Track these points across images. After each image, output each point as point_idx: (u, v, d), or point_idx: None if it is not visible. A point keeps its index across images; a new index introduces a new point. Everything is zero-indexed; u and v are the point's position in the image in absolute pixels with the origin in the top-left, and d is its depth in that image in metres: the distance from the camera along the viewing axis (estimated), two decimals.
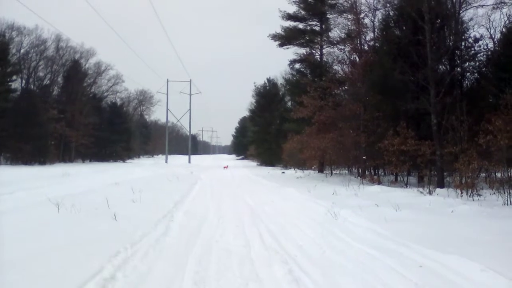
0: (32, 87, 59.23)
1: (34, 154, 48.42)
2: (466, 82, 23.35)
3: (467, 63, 22.73)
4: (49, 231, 8.57)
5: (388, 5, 25.10)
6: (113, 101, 77.24)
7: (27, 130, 45.70)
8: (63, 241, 7.65)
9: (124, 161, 70.46)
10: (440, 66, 21.52)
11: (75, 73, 61.96)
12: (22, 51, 57.53)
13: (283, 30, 35.55)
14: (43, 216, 10.41)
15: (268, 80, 60.00)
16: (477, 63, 22.71)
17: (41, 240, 7.75)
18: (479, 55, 22.44)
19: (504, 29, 22.59)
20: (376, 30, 27.53)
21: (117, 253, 7.00)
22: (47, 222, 9.67)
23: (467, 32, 22.13)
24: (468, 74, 23.26)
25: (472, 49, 22.27)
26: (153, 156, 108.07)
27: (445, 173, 18.95)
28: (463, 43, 22.00)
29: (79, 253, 6.94)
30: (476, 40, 22.07)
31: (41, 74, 61.30)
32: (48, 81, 62.20)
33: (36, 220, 9.93)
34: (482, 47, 22.40)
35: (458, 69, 21.80)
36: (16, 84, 57.16)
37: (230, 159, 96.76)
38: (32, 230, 8.67)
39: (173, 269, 6.55)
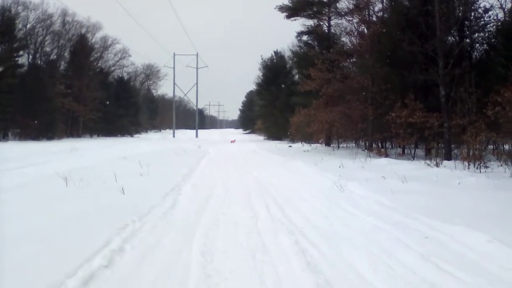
0: (39, 62, 59.14)
1: (42, 130, 48.57)
2: (475, 53, 23.14)
3: (476, 34, 22.48)
4: (57, 205, 8.64)
5: None
6: (120, 75, 77.03)
7: (35, 105, 45.76)
8: (71, 214, 7.72)
9: (131, 136, 70.66)
10: (449, 37, 21.30)
11: (81, 47, 61.71)
12: (28, 26, 57.22)
13: (290, 1, 35.16)
14: (51, 190, 10.49)
15: (275, 53, 59.52)
16: (487, 34, 22.46)
17: (49, 213, 7.81)
18: (488, 25, 22.17)
19: None
20: (384, 0, 27.18)
21: (125, 226, 7.07)
22: (55, 196, 9.75)
23: (477, 2, 21.80)
24: (477, 45, 23.02)
25: (482, 19, 21.99)
26: (160, 130, 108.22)
27: (452, 146, 18.89)
28: (472, 14, 21.71)
29: (87, 225, 7.01)
30: (486, 10, 21.76)
31: (47, 49, 61.13)
32: (55, 56, 62.04)
33: (44, 194, 10.00)
34: (491, 18, 22.12)
35: (467, 40, 21.57)
36: (23, 59, 57.06)
37: (237, 134, 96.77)
38: (40, 204, 8.74)
39: (181, 241, 6.61)
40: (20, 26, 55.61)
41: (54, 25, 60.53)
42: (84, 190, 10.48)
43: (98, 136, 65.36)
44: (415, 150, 21.84)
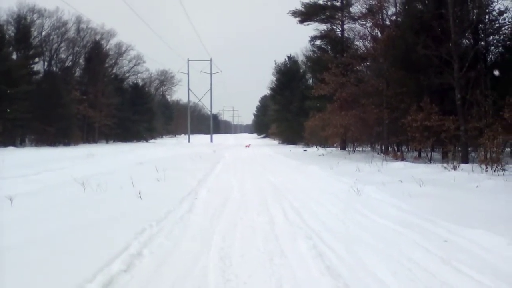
0: (54, 69, 59.80)
1: (58, 136, 49.02)
2: (490, 55, 22.87)
3: (491, 37, 22.20)
4: (75, 210, 8.70)
5: None
6: (135, 81, 77.55)
7: (51, 111, 46.20)
8: (89, 220, 7.77)
9: (147, 141, 71.02)
10: (464, 40, 21.09)
11: (96, 54, 62.25)
12: (43, 33, 57.91)
13: (303, 6, 35.13)
14: (69, 196, 10.58)
15: (289, 57, 59.58)
16: (502, 37, 22.17)
17: (67, 218, 7.87)
18: (503, 28, 21.89)
19: None
20: (398, 4, 26.99)
21: (143, 230, 7.11)
22: (73, 201, 9.83)
23: (491, 5, 21.51)
24: (492, 47, 22.75)
25: (497, 22, 21.71)
26: (175, 135, 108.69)
27: (469, 148, 18.72)
28: (487, 16, 21.45)
29: (105, 230, 7.05)
30: (501, 13, 21.47)
31: (62, 56, 61.79)
32: (70, 63, 62.67)
33: (62, 199, 10.08)
34: (506, 20, 21.82)
35: (482, 42, 21.34)
36: (39, 66, 57.82)
37: (252, 138, 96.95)
38: (58, 209, 8.81)
39: (198, 246, 6.63)
40: (35, 33, 56.43)
41: (69, 32, 61.26)
42: (102, 196, 10.55)
43: (113, 141, 65.77)
44: (431, 153, 21.68)
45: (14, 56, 50.79)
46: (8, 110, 41.48)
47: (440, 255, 5.92)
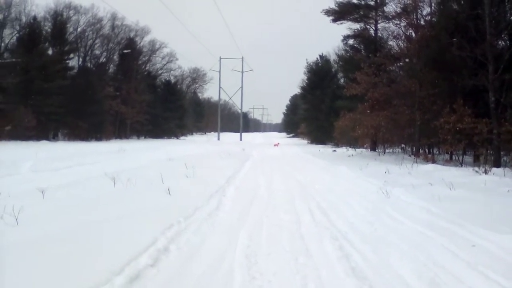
0: (89, 65, 60.84)
1: (90, 131, 49.97)
2: None
3: None
4: (105, 204, 8.86)
5: None
6: (167, 78, 78.49)
7: (84, 107, 47.10)
8: (118, 214, 7.87)
9: (177, 138, 71.62)
10: (500, 41, 20.72)
11: (130, 51, 63.02)
12: (79, 29, 58.94)
13: (336, 5, 34.90)
14: (100, 190, 10.76)
15: (321, 56, 59.32)
16: None
17: (96, 212, 8.03)
18: None
19: None
20: (433, 4, 26.64)
21: (171, 226, 7.19)
22: (103, 195, 10.01)
23: None
24: None
25: None
26: (205, 133, 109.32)
27: (502, 152, 18.40)
28: None
29: (133, 225, 7.15)
30: None
31: (97, 52, 62.82)
32: (104, 59, 63.67)
33: (93, 193, 10.27)
34: None
35: None
36: (74, 62, 58.97)
37: (281, 137, 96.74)
38: (88, 203, 8.98)
39: (225, 243, 6.68)
40: (71, 29, 57.51)
41: (103, 29, 62.20)
42: (132, 190, 10.70)
43: (145, 138, 66.53)
44: (463, 157, 21.37)
45: (50, 52, 51.89)
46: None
47: (468, 259, 5.85)
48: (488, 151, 19.08)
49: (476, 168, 16.47)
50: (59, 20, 53.89)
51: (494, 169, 16.21)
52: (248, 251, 6.25)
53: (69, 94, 46.74)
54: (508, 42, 20.75)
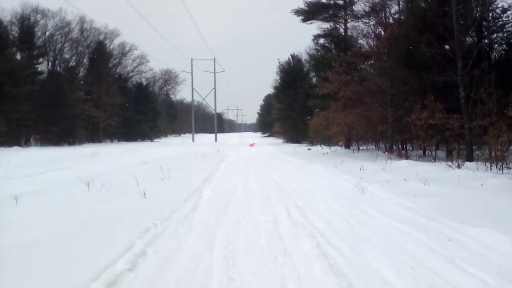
0: (58, 69, 59.98)
1: (63, 135, 49.25)
2: (494, 53, 22.82)
3: (494, 34, 22.15)
4: (80, 210, 8.73)
5: None
6: (139, 81, 77.84)
7: (55, 111, 46.39)
8: (93, 219, 7.78)
9: (151, 141, 71.14)
10: (467, 38, 21.03)
11: (100, 54, 62.42)
12: (47, 33, 58.11)
13: (306, 5, 35.08)
14: (74, 195, 10.60)
15: (292, 56, 59.47)
16: (505, 34, 22.12)
17: (71, 218, 7.89)
18: (507, 25, 21.83)
19: None
20: (401, 2, 26.95)
21: (147, 230, 7.13)
22: (78, 200, 9.86)
23: (495, 2, 21.46)
24: (496, 45, 22.71)
25: (500, 19, 21.64)
26: (180, 135, 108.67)
27: (474, 147, 18.66)
28: (490, 14, 21.39)
29: (109, 230, 7.07)
30: (504, 10, 21.39)
31: (66, 56, 62.07)
32: (74, 63, 62.90)
33: (67, 199, 10.12)
34: (510, 17, 21.76)
35: (486, 40, 21.28)
36: (43, 66, 58.11)
37: (256, 137, 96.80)
38: (63, 209, 8.85)
39: (202, 245, 6.65)
40: (39, 34, 56.69)
41: (72, 32, 61.43)
42: (106, 195, 10.57)
43: (118, 141, 65.91)
44: (436, 152, 21.64)
45: (18, 57, 51.02)
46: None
47: (444, 253, 5.92)
48: (461, 146, 19.36)
49: (449, 163, 16.70)
50: (26, 24, 53.04)
51: (467, 163, 16.45)
52: (226, 252, 6.23)
53: (39, 99, 46.04)
54: (475, 38, 21.10)
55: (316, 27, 36.96)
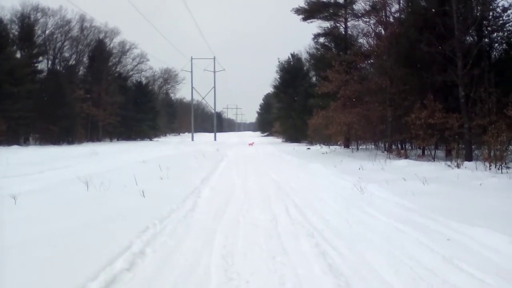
0: (58, 67, 59.78)
1: (62, 134, 49.13)
2: (494, 53, 22.81)
3: (495, 34, 22.14)
4: (78, 209, 8.74)
5: None
6: (138, 80, 77.54)
7: (55, 110, 46.28)
8: (92, 218, 7.79)
9: (151, 140, 71.00)
10: (467, 37, 21.02)
11: (100, 52, 62.32)
12: (47, 32, 57.78)
13: (306, 3, 35.07)
14: (73, 194, 10.61)
15: (292, 55, 59.44)
16: (506, 33, 22.11)
17: (70, 217, 7.90)
18: (507, 25, 21.82)
19: None
20: (401, 1, 26.97)
21: (146, 229, 7.13)
22: (77, 200, 9.87)
23: (495, 2, 21.45)
24: (496, 44, 22.69)
25: (501, 19, 21.63)
26: (179, 134, 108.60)
27: (473, 146, 18.65)
28: (491, 13, 21.38)
29: (108, 229, 7.07)
30: (505, 9, 21.38)
31: (66, 54, 61.78)
32: (74, 62, 62.67)
33: (66, 198, 10.13)
34: (510, 17, 21.75)
35: (486, 39, 21.27)
36: (43, 65, 57.79)
37: (255, 136, 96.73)
38: (62, 208, 8.86)
39: (201, 244, 6.64)
40: (39, 32, 56.34)
41: (72, 31, 61.11)
42: (105, 194, 10.58)
43: (117, 140, 65.77)
44: (435, 151, 21.63)
45: (18, 55, 50.88)
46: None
47: (443, 253, 5.92)
48: (460, 145, 19.36)
49: (449, 163, 16.70)
50: (26, 23, 52.87)
51: (466, 163, 16.46)
52: (225, 252, 6.22)
53: (39, 98, 45.92)
54: (475, 37, 21.09)
55: (316, 26, 36.98)
